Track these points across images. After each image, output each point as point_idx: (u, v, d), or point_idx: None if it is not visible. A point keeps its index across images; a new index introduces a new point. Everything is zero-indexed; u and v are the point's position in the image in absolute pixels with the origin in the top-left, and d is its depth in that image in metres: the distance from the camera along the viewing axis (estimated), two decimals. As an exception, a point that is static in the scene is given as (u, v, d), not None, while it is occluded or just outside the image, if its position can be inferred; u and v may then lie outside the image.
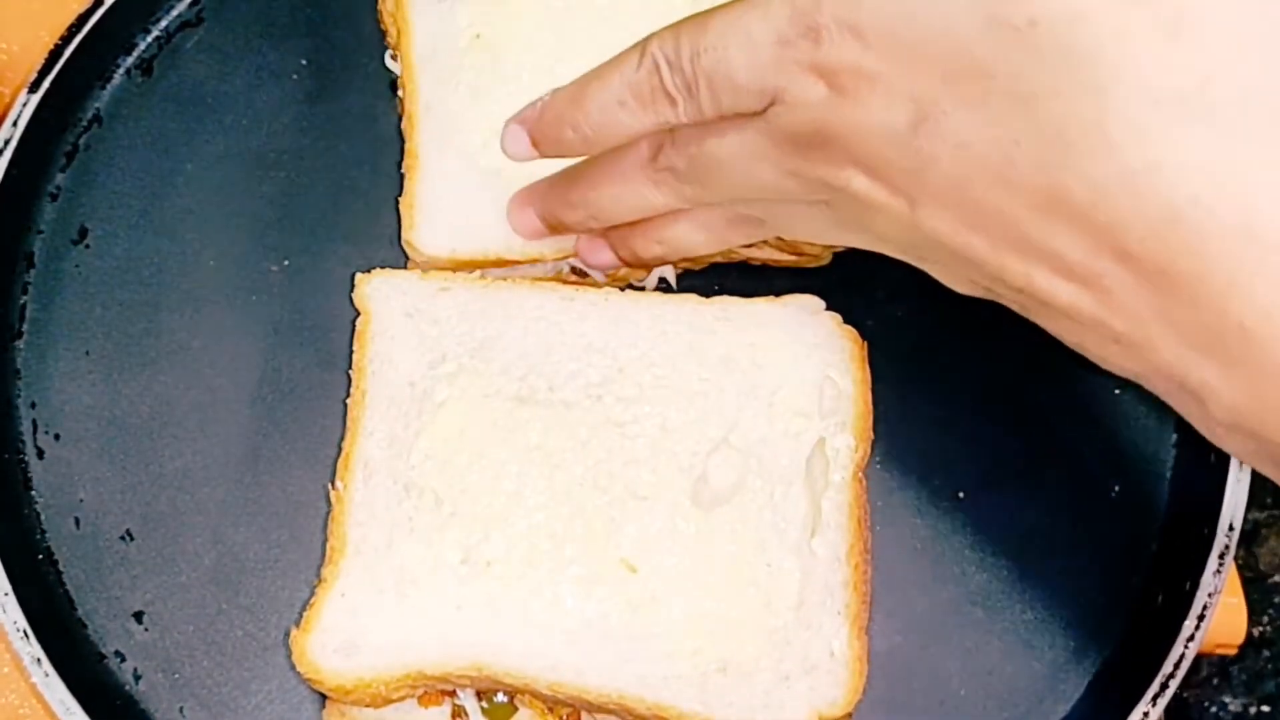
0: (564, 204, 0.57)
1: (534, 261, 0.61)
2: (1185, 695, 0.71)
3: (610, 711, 0.53)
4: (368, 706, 0.53)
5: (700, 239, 0.57)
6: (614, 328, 0.58)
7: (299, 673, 0.53)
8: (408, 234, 0.60)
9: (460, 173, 0.61)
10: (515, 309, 0.59)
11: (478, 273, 0.60)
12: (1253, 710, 0.73)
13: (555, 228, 0.59)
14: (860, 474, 0.56)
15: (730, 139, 0.50)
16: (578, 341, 0.58)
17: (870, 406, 0.57)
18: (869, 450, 0.57)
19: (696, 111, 0.50)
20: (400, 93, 0.65)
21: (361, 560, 0.54)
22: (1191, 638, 0.56)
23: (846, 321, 0.59)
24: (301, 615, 0.54)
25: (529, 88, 0.60)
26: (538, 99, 0.55)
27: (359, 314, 0.59)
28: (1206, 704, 0.73)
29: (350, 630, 0.53)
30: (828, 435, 0.56)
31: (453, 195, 0.61)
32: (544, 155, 0.56)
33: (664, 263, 0.60)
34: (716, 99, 0.49)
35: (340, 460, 0.56)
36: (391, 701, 0.53)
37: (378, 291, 0.59)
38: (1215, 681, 0.73)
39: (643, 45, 0.51)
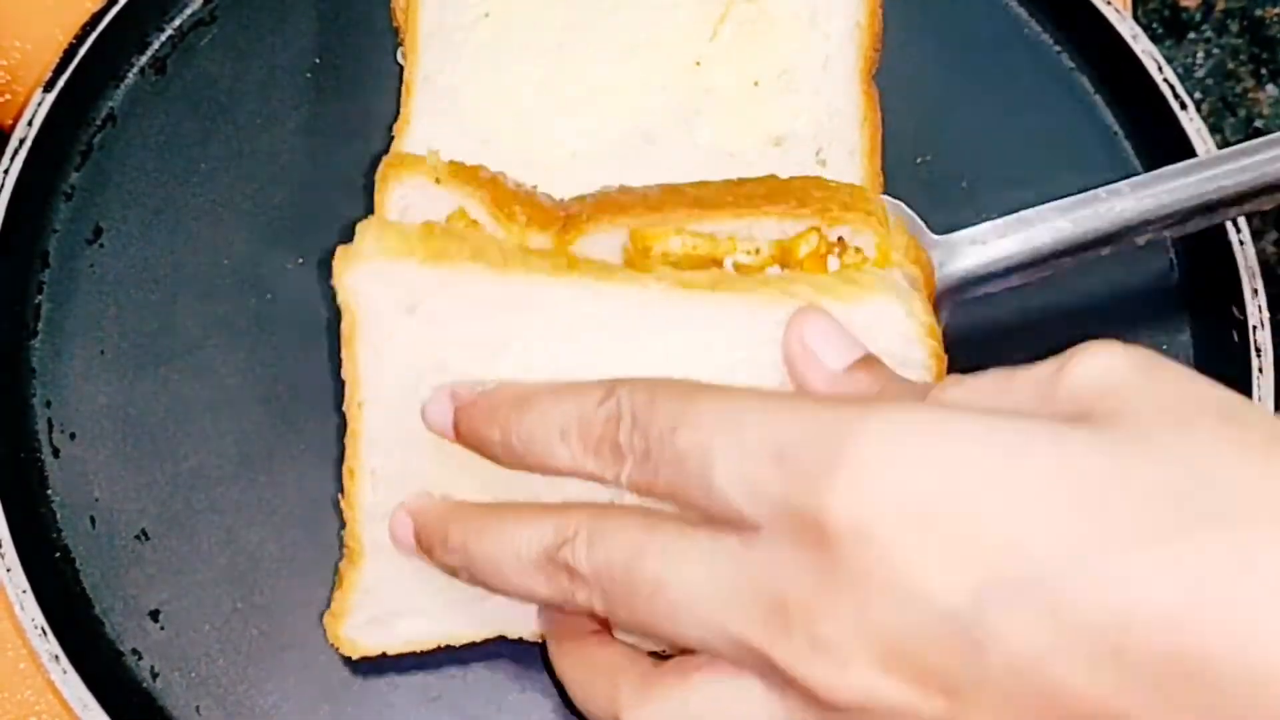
0: (440, 541, 0.49)
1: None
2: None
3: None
4: None
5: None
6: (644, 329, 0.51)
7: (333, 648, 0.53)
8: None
9: (450, 139, 0.60)
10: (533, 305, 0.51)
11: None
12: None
13: (426, 554, 0.50)
14: None
15: (681, 551, 0.41)
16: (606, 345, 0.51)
17: None
18: None
19: (646, 483, 0.42)
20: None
21: (384, 556, 0.53)
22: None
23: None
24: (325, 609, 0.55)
25: (533, 66, 0.60)
26: (479, 384, 0.48)
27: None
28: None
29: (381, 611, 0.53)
30: None
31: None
32: (460, 441, 0.48)
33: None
34: (677, 486, 0.41)
35: (344, 470, 0.54)
36: None
37: (366, 285, 0.51)
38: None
39: (611, 386, 0.44)
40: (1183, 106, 0.64)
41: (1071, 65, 0.67)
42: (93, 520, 0.58)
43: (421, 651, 0.55)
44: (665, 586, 0.42)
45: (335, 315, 0.61)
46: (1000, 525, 0.37)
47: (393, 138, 0.61)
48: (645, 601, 0.42)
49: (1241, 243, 0.61)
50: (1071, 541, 0.36)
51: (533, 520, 0.45)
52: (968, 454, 0.38)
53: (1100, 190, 0.56)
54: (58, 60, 0.64)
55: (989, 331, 0.61)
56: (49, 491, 0.59)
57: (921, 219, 0.57)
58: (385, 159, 0.55)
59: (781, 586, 0.39)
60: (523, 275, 0.50)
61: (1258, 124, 0.71)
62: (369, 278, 0.51)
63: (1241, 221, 0.62)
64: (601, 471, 0.43)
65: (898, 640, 0.38)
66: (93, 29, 0.64)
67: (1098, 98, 0.67)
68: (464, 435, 0.48)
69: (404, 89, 0.62)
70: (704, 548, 0.41)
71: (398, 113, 0.62)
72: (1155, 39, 0.67)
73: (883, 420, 0.39)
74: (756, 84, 0.61)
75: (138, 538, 0.58)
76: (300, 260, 0.63)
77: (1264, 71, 0.72)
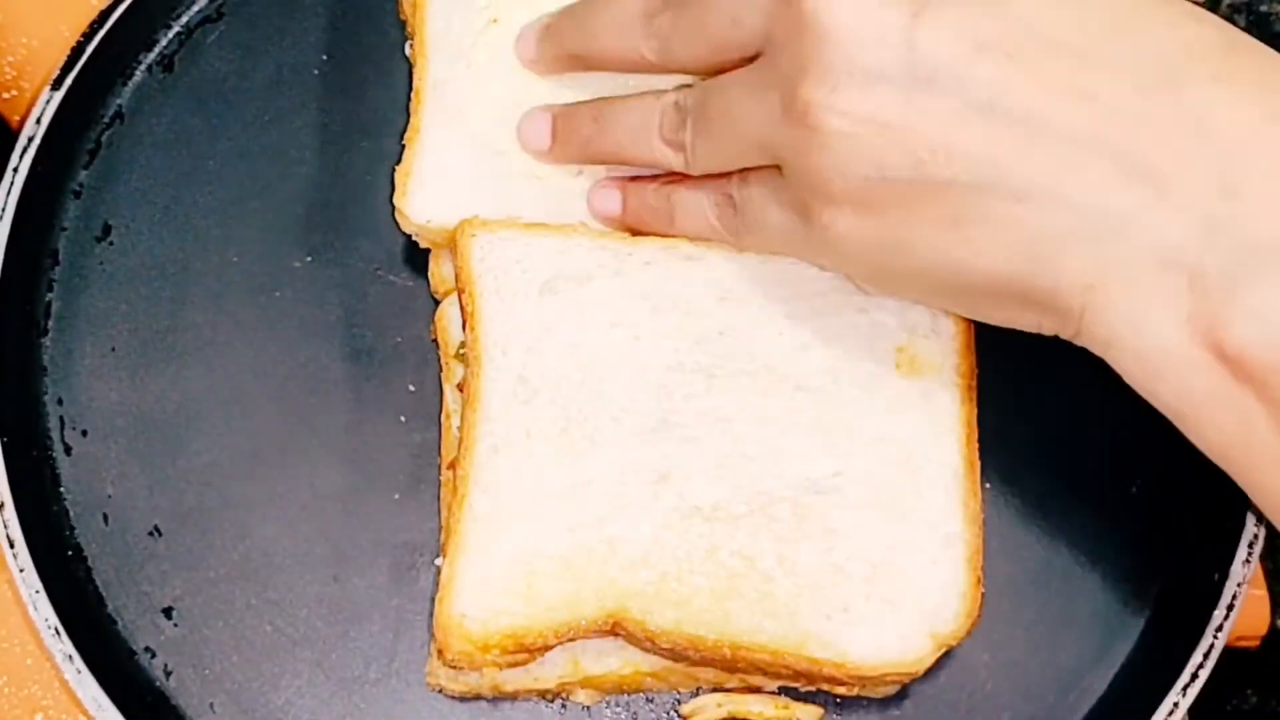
0: (578, 116, 0.58)
1: None
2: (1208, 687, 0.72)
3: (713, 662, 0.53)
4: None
5: (690, 217, 0.57)
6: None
7: (439, 639, 0.52)
8: (399, 200, 0.59)
9: (461, 149, 0.60)
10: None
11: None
12: (1274, 704, 0.73)
13: (564, 141, 0.59)
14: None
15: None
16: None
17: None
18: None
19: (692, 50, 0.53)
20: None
21: (489, 530, 0.54)
22: (1220, 628, 0.56)
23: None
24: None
25: (540, 74, 0.60)
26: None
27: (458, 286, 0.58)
28: (1229, 697, 0.74)
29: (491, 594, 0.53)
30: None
31: (451, 169, 0.60)
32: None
33: (663, 232, 0.58)
34: (712, 32, 0.52)
35: (460, 442, 0.55)
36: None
37: (496, 255, 0.58)
38: (1237, 674, 0.73)
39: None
40: (1190, 102, 0.64)
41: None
42: (105, 517, 0.58)
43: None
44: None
45: (343, 312, 0.62)
46: None
47: (403, 146, 0.61)
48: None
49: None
50: None
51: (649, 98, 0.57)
52: None
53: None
54: (65, 58, 0.64)
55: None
56: (61, 489, 0.59)
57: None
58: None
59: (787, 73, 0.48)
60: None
61: (1263, 120, 0.71)
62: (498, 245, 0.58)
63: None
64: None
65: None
66: (100, 26, 0.65)
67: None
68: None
69: (414, 94, 0.62)
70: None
71: (407, 111, 0.62)
72: (1162, 35, 0.67)
73: None
74: None
75: (150, 534, 0.58)
76: (309, 258, 0.63)
77: (1269, 67, 0.72)
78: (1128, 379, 0.47)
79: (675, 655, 0.53)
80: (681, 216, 0.57)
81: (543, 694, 0.55)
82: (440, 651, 0.52)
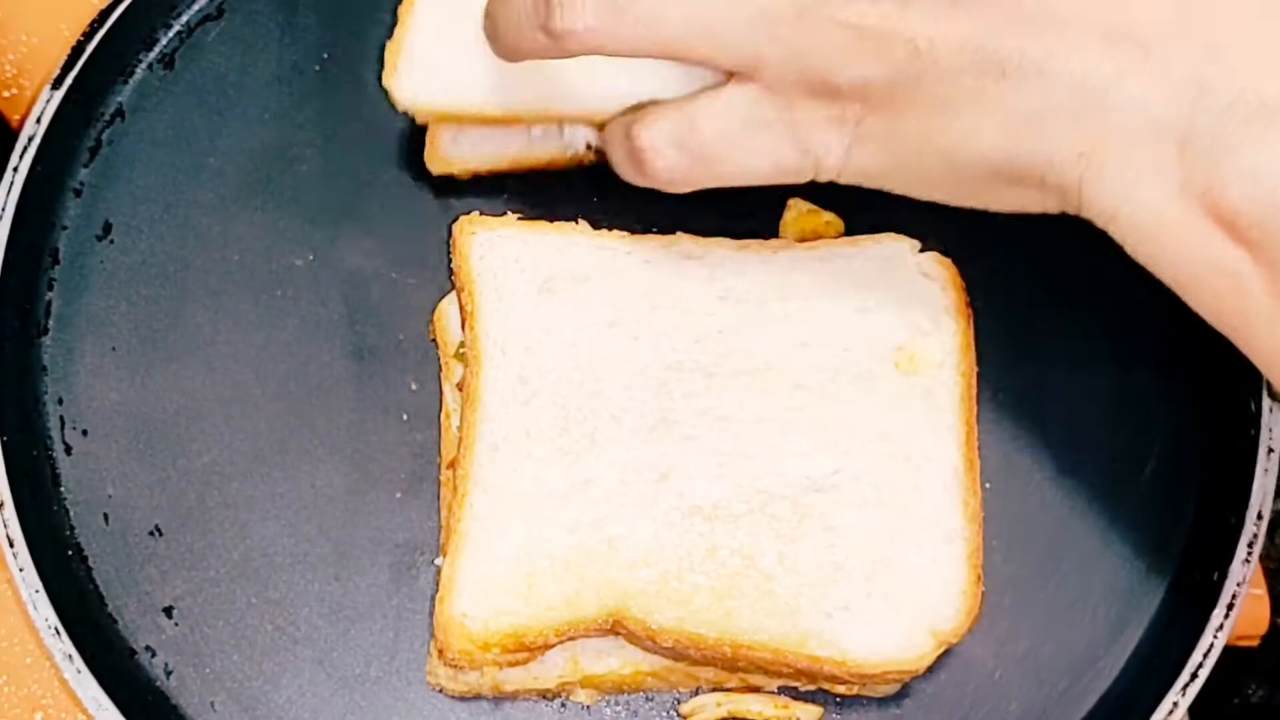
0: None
1: (515, 122, 0.60)
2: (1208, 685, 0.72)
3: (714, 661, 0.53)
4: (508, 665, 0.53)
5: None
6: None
7: (439, 639, 0.53)
8: (387, 79, 0.60)
9: (453, 27, 0.60)
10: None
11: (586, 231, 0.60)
12: (1276, 700, 0.73)
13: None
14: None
15: None
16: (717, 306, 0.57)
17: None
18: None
19: None
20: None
21: (487, 531, 0.54)
22: (1220, 627, 0.56)
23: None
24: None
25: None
26: None
27: (454, 285, 0.58)
28: (1229, 694, 0.73)
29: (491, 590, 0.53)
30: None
31: (442, 48, 0.60)
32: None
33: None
34: None
35: (460, 441, 0.55)
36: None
37: (495, 253, 0.58)
38: (1238, 672, 0.73)
39: None
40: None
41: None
42: (106, 517, 0.58)
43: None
44: None
45: (344, 310, 0.62)
46: None
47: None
48: None
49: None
50: None
51: None
52: None
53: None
54: (66, 56, 0.64)
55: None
56: (61, 489, 0.59)
57: (926, 220, 0.56)
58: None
59: None
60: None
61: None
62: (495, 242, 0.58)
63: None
64: None
65: None
66: (101, 25, 0.65)
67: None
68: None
69: None
70: None
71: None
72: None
73: None
74: None
75: (151, 534, 0.58)
76: (310, 256, 0.63)
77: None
78: (1128, 249, 0.48)
79: (676, 654, 0.53)
80: None
81: (543, 693, 0.55)
82: (441, 651, 0.52)
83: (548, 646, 0.53)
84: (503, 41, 0.55)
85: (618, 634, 0.53)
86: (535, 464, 0.54)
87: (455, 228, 0.58)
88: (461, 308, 0.57)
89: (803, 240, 0.60)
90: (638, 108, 0.55)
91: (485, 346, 0.56)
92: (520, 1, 0.53)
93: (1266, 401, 0.59)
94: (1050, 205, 0.49)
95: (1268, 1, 0.45)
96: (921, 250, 0.59)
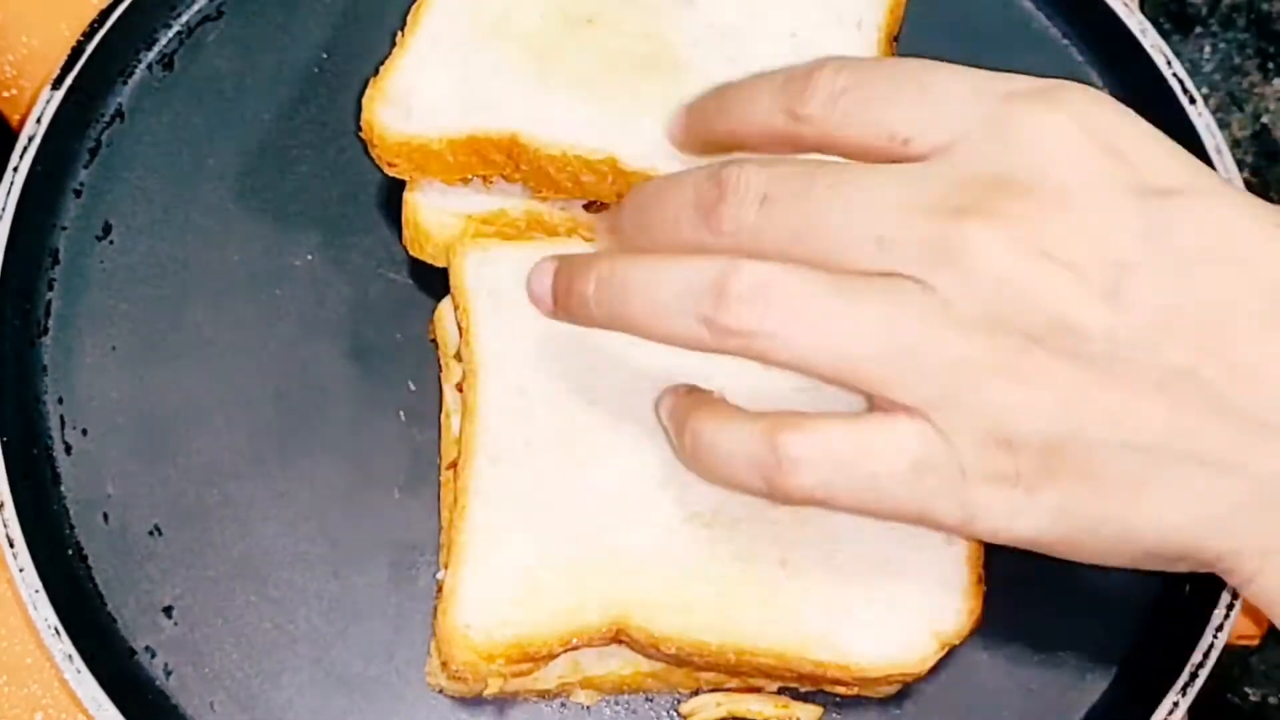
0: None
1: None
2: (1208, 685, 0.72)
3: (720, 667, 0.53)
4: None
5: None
6: None
7: (443, 651, 0.52)
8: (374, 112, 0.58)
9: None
10: None
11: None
12: (1273, 700, 0.73)
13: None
14: None
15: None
16: None
17: None
18: None
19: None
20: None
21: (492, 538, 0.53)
22: (1220, 628, 0.56)
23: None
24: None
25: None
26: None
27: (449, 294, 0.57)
28: (1227, 694, 0.73)
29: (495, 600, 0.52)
30: None
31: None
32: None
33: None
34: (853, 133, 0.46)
35: (459, 452, 0.55)
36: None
37: (490, 269, 0.57)
38: (1236, 672, 0.73)
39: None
40: (1191, 101, 0.64)
41: (1080, 59, 0.68)
42: (105, 516, 0.58)
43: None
44: (842, 188, 0.45)
45: (344, 310, 0.62)
46: None
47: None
48: (818, 204, 0.45)
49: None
50: None
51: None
52: None
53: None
54: (66, 57, 0.64)
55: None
56: (61, 488, 0.59)
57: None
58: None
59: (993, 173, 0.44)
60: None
61: (1264, 119, 0.71)
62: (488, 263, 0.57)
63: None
64: (794, 126, 0.47)
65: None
66: (101, 25, 0.64)
67: (1106, 92, 0.67)
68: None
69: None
70: (877, 172, 0.45)
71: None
72: (1163, 34, 0.67)
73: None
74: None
75: (151, 533, 0.58)
76: (310, 256, 0.63)
77: (1270, 66, 0.72)
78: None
79: (679, 661, 0.53)
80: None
81: (542, 694, 0.55)
82: (444, 664, 0.52)
83: (552, 656, 0.53)
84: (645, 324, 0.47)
85: (621, 642, 0.53)
86: (535, 474, 0.54)
87: (450, 247, 0.58)
88: (458, 323, 0.57)
89: None
90: (700, 393, 0.51)
91: (483, 360, 0.56)
92: (681, 273, 0.45)
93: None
94: (1201, 571, 0.47)
95: None
96: None
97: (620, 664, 0.55)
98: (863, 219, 0.44)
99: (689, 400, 0.51)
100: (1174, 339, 0.43)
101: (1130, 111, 0.45)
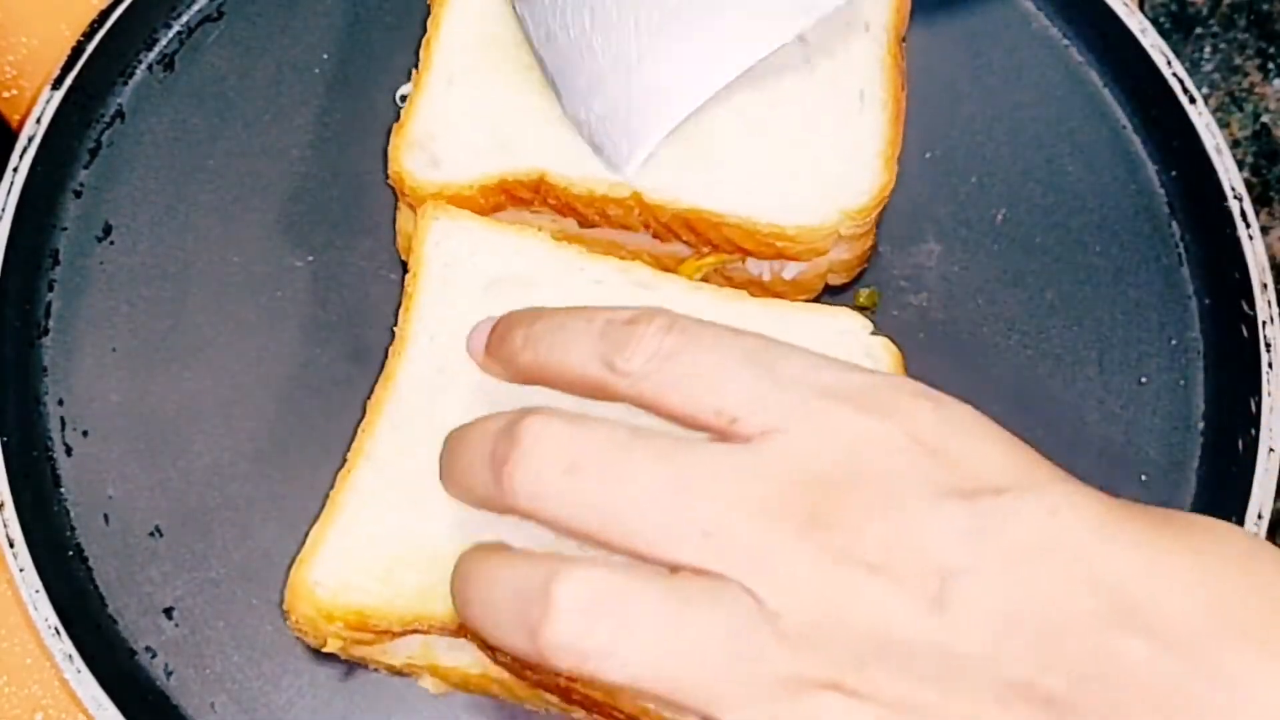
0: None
1: None
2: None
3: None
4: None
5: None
6: None
7: (288, 599, 0.52)
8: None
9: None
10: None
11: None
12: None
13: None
14: None
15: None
16: None
17: None
18: None
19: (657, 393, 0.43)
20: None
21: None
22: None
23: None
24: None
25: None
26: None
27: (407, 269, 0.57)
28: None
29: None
30: None
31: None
32: (489, 354, 0.49)
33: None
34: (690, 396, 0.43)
35: (364, 415, 0.54)
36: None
37: (451, 242, 0.56)
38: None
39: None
40: (1191, 100, 0.64)
41: (1080, 60, 0.68)
42: (106, 518, 0.58)
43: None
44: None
45: (345, 312, 0.62)
46: None
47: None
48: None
49: (1251, 238, 0.62)
50: None
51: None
52: None
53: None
54: (66, 57, 0.64)
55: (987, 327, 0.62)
56: (61, 490, 0.59)
57: (930, 213, 0.56)
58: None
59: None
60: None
61: (1264, 118, 0.71)
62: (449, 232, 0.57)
63: (1251, 216, 0.62)
64: (611, 378, 0.44)
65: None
66: (101, 25, 0.64)
67: (1106, 92, 0.67)
68: (494, 343, 0.48)
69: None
70: (701, 452, 0.42)
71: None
72: (1162, 33, 0.67)
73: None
74: None
75: (151, 535, 0.58)
76: (310, 258, 0.63)
77: (1271, 66, 0.72)
78: None
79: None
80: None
81: (390, 668, 0.55)
82: (287, 612, 0.52)
83: (391, 635, 0.52)
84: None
85: (464, 637, 0.52)
86: (429, 455, 0.51)
87: (420, 209, 0.57)
88: (405, 288, 0.56)
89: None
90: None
91: (415, 330, 0.55)
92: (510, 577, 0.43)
93: (1266, 401, 0.59)
94: None
95: None
96: (873, 333, 0.56)
97: (469, 661, 0.54)
98: (686, 508, 0.41)
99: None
100: (1009, 649, 0.40)
101: (960, 406, 0.43)
